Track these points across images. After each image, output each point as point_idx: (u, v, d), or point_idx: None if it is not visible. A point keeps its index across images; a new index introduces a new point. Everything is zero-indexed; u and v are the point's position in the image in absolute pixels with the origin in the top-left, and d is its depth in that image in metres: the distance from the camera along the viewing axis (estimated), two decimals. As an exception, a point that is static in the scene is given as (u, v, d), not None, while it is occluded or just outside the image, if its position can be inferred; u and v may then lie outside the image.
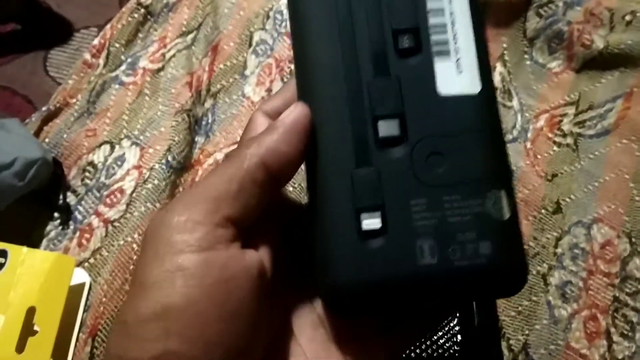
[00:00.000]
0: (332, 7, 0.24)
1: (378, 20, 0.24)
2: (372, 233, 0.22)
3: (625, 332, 0.48)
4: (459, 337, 0.43)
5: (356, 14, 0.24)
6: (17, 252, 0.47)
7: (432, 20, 0.24)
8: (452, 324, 0.43)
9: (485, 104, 0.23)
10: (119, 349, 0.22)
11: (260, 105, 0.28)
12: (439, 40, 0.24)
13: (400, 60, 0.23)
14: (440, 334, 0.43)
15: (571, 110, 0.57)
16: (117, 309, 0.47)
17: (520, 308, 0.48)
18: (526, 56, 0.60)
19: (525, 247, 0.49)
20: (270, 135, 0.24)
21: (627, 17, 0.60)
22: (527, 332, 0.48)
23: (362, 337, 0.27)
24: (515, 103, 0.57)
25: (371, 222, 0.22)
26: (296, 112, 0.24)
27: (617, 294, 0.49)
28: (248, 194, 0.24)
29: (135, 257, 0.48)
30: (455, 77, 0.23)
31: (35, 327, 0.46)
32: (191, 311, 0.22)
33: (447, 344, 0.43)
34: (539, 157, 0.55)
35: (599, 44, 0.58)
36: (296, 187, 0.50)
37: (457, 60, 0.23)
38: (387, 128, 0.23)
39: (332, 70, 0.23)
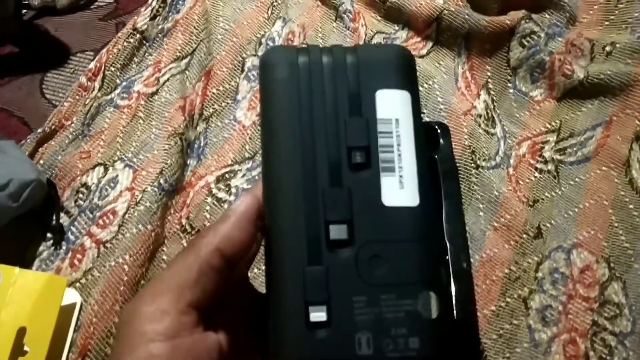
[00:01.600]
0: (298, 120, 0.27)
1: (336, 137, 0.27)
2: (318, 324, 0.25)
3: (604, 356, 0.49)
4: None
5: (317, 129, 0.27)
6: (10, 273, 0.48)
7: (382, 141, 0.27)
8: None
9: (421, 216, 0.27)
10: None
11: (234, 203, 0.31)
12: (386, 158, 0.27)
13: (352, 173, 0.27)
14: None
15: (552, 138, 0.59)
16: (106, 329, 0.48)
17: (501, 331, 0.49)
18: (509, 85, 0.62)
19: (507, 271, 0.51)
20: (224, 224, 0.27)
21: (607, 48, 0.62)
22: (508, 355, 0.49)
23: None
24: (498, 130, 0.59)
25: (318, 315, 0.25)
26: (247, 201, 0.28)
27: (596, 318, 0.50)
28: (206, 279, 0.27)
29: (125, 278, 0.49)
30: (398, 191, 0.27)
31: (26, 348, 0.47)
32: None
33: None
34: (521, 183, 0.56)
35: (580, 73, 0.60)
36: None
37: (400, 176, 0.27)
38: (337, 232, 0.26)
39: (293, 176, 0.27)
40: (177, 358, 0.25)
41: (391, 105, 0.28)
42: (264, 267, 0.28)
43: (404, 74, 0.29)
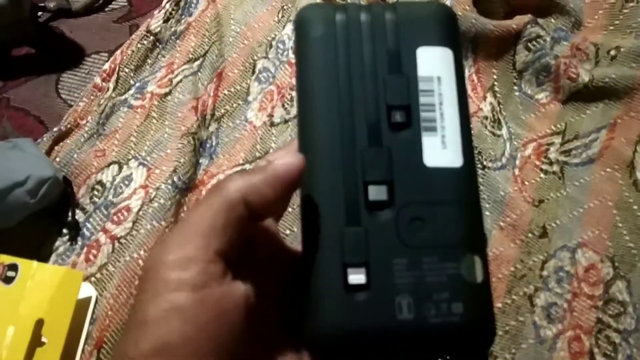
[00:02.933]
0: (335, 79, 0.27)
1: (375, 95, 0.27)
2: (357, 287, 0.25)
3: (608, 353, 0.50)
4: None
5: (355, 87, 0.27)
6: (28, 266, 0.50)
7: (423, 100, 0.26)
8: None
9: (465, 177, 0.26)
10: None
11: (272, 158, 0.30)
12: (427, 117, 0.26)
13: (392, 133, 0.26)
14: None
15: (557, 140, 0.60)
16: (122, 322, 0.49)
17: (507, 328, 0.50)
18: (515, 87, 0.63)
19: (513, 269, 0.52)
20: (257, 175, 0.26)
21: (612, 52, 0.63)
22: (513, 351, 0.50)
23: None
24: (504, 132, 0.60)
25: (357, 277, 0.25)
26: (290, 161, 0.26)
27: (600, 316, 0.51)
28: (232, 228, 0.25)
29: (140, 273, 0.50)
30: (440, 151, 0.26)
31: (43, 339, 0.48)
32: (187, 347, 0.24)
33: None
34: (526, 183, 0.57)
35: (585, 77, 0.61)
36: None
37: (443, 136, 0.26)
38: (376, 193, 0.26)
39: (331, 137, 0.26)
40: (203, 310, 0.24)
41: (433, 63, 0.27)
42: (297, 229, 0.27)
43: (446, 30, 0.28)
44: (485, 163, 0.58)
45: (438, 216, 0.25)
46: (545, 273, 0.53)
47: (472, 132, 0.58)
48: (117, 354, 0.25)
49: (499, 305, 0.51)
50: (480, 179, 0.57)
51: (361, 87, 0.27)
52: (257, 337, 0.27)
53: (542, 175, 0.58)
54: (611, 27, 0.66)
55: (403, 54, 0.27)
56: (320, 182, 0.26)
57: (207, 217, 0.25)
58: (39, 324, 0.48)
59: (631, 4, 0.66)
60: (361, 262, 0.25)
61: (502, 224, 0.55)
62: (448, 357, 0.25)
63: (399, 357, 0.26)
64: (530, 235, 0.54)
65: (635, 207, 0.56)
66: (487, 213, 0.55)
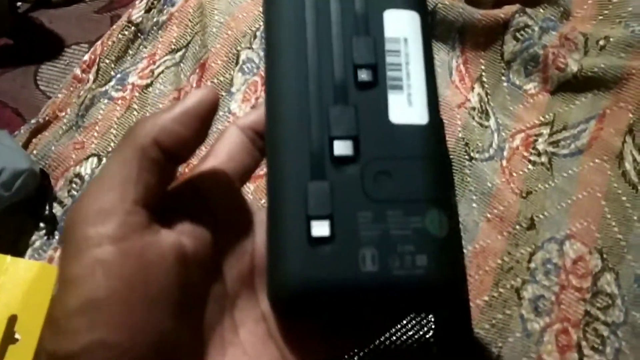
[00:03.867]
0: (303, 38, 0.27)
1: (342, 55, 0.27)
2: (321, 240, 0.24)
3: (596, 346, 0.49)
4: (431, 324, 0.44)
5: (323, 47, 0.27)
6: (1, 261, 0.48)
7: (389, 59, 0.27)
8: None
9: (431, 134, 0.26)
10: (52, 344, 0.23)
11: (235, 119, 0.30)
12: (393, 76, 0.27)
13: (358, 91, 0.26)
14: (412, 322, 0.45)
15: (546, 131, 0.59)
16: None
17: (494, 321, 0.49)
18: (503, 78, 0.62)
19: (500, 261, 0.51)
20: (166, 114, 0.25)
21: (601, 42, 0.62)
22: (500, 344, 0.49)
23: (302, 338, 0.28)
24: (492, 123, 0.59)
25: (320, 229, 0.25)
26: (199, 95, 0.26)
27: (589, 309, 0.50)
28: (148, 173, 0.25)
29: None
30: (406, 108, 0.26)
31: (17, 336, 0.46)
32: (114, 301, 0.23)
33: (419, 332, 0.44)
34: (514, 175, 0.56)
35: (573, 67, 0.60)
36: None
37: (409, 94, 0.26)
38: (341, 147, 0.26)
39: (297, 93, 0.26)
40: (127, 263, 0.23)
41: (399, 25, 0.27)
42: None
43: None
44: (472, 154, 0.57)
45: (403, 171, 0.25)
46: (532, 265, 0.52)
47: (460, 122, 0.57)
48: (48, 320, 0.25)
49: (486, 298, 0.50)
50: (467, 171, 0.56)
51: (329, 48, 0.27)
52: (204, 292, 0.27)
53: (530, 166, 0.57)
54: (600, 17, 0.65)
55: (370, 16, 0.27)
56: (285, 137, 0.26)
57: (120, 168, 0.25)
58: (12, 320, 0.46)
59: (620, -7, 0.65)
60: (325, 214, 0.25)
61: (489, 215, 0.54)
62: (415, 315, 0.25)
63: (364, 310, 0.26)
64: (517, 227, 0.53)
65: (624, 198, 0.55)
66: (474, 205, 0.54)
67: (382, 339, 0.45)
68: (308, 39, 0.27)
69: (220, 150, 0.29)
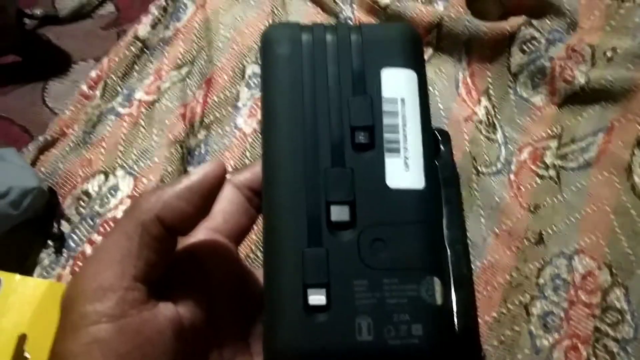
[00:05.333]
0: (299, 99, 0.27)
1: (339, 116, 0.27)
2: (317, 308, 0.24)
3: (606, 362, 0.49)
4: None
5: (320, 108, 0.27)
6: (10, 280, 0.48)
7: (386, 121, 0.26)
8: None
9: (427, 199, 0.26)
10: None
11: (231, 177, 0.29)
12: (390, 139, 0.26)
13: (355, 153, 0.26)
14: None
15: (554, 144, 0.58)
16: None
17: (502, 338, 0.49)
18: (510, 90, 0.62)
19: (508, 277, 0.51)
20: (170, 189, 0.25)
21: (608, 54, 0.62)
22: (509, 361, 0.48)
23: None
24: (499, 136, 0.59)
25: (317, 298, 0.24)
26: (205, 169, 0.25)
27: (598, 325, 0.50)
28: (149, 250, 0.25)
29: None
30: (403, 172, 0.26)
31: (26, 354, 0.47)
32: None
33: None
34: (522, 189, 0.56)
35: (581, 79, 0.60)
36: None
37: (406, 157, 0.26)
38: (338, 213, 0.25)
39: (294, 156, 0.26)
40: (124, 340, 0.23)
41: (397, 85, 0.27)
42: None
43: (410, 52, 0.28)
44: (480, 168, 0.56)
45: (399, 238, 0.25)
46: (541, 281, 0.52)
47: (467, 136, 0.57)
48: None
49: (494, 314, 0.50)
50: (475, 185, 0.56)
51: (325, 108, 0.27)
52: (200, 357, 0.26)
53: (538, 180, 0.57)
54: (607, 28, 0.65)
55: (367, 75, 0.27)
56: (282, 202, 0.26)
57: (120, 243, 0.24)
58: (22, 339, 0.46)
59: (627, 4, 0.64)
60: (322, 282, 0.24)
61: (497, 230, 0.54)
62: None
63: None
64: (526, 242, 0.53)
65: (633, 212, 0.55)
66: (482, 220, 0.54)
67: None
68: (305, 98, 0.27)
69: (216, 212, 0.28)
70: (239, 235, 0.30)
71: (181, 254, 0.27)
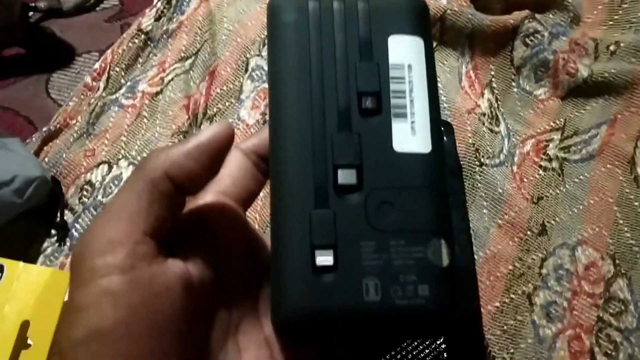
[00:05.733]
0: (306, 65, 0.27)
1: (346, 82, 0.27)
2: (325, 269, 0.24)
3: (609, 352, 0.49)
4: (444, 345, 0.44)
5: (326, 74, 0.27)
6: (14, 267, 0.48)
7: (393, 86, 0.27)
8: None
9: (433, 163, 0.26)
10: None
11: (238, 143, 0.29)
12: (397, 104, 0.26)
13: (362, 118, 0.26)
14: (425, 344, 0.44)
15: (557, 136, 0.59)
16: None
17: (505, 327, 0.49)
18: (513, 83, 0.62)
19: (511, 267, 0.51)
20: (179, 148, 0.25)
21: (611, 47, 0.62)
22: (512, 350, 0.48)
23: None
24: (502, 128, 0.59)
25: (324, 259, 0.24)
26: (213, 130, 0.26)
27: (601, 314, 0.50)
28: (158, 205, 0.25)
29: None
30: (410, 137, 0.26)
31: (29, 341, 0.47)
32: (120, 332, 0.23)
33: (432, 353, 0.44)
34: (525, 180, 0.56)
35: (584, 72, 0.60)
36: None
37: (412, 122, 0.26)
38: (345, 176, 0.25)
39: (301, 121, 0.26)
40: (134, 292, 0.23)
41: (404, 51, 0.27)
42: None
43: (418, 20, 0.28)
44: (483, 160, 0.57)
45: (406, 201, 0.25)
46: (544, 271, 0.51)
47: (470, 128, 0.57)
48: (54, 348, 0.24)
49: (497, 304, 0.50)
50: (478, 177, 0.56)
51: (332, 74, 0.27)
52: (209, 318, 0.27)
53: (541, 172, 0.57)
54: (610, 22, 0.65)
55: (374, 42, 0.27)
56: (289, 165, 0.26)
57: (129, 200, 0.25)
58: (25, 325, 0.46)
59: (630, -2, 0.64)
60: (329, 244, 0.25)
61: (500, 221, 0.54)
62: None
63: (366, 339, 0.26)
64: (529, 232, 0.53)
65: (636, 203, 0.55)
66: (485, 211, 0.54)
67: None
68: (312, 64, 0.27)
69: (224, 176, 0.29)
70: (247, 199, 0.30)
71: (190, 215, 0.28)
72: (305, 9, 0.27)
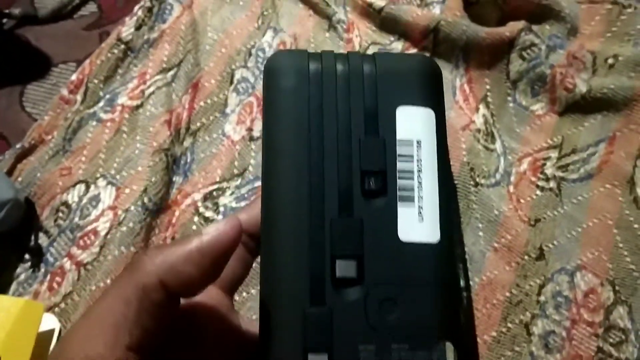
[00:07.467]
0: (305, 137, 0.24)
1: (348, 159, 0.24)
2: None
3: (610, 384, 0.47)
4: None
5: (327, 148, 0.24)
6: (-16, 298, 0.46)
7: (400, 166, 0.24)
8: None
9: (442, 256, 0.24)
10: None
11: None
12: (404, 185, 0.24)
13: (365, 201, 0.24)
14: None
15: (554, 154, 0.56)
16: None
17: (502, 359, 0.47)
18: (509, 98, 0.60)
19: (508, 294, 0.49)
20: (178, 250, 0.22)
21: (610, 61, 0.60)
22: (509, 384, 0.46)
23: None
24: (498, 146, 0.57)
25: None
26: (219, 230, 0.23)
27: (601, 344, 0.48)
28: (147, 316, 0.22)
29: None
30: (417, 224, 0.23)
31: (0, 377, 0.44)
32: None
33: None
34: (522, 201, 0.54)
35: (582, 87, 0.58)
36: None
37: (420, 207, 0.24)
38: (344, 269, 0.23)
39: (297, 202, 0.24)
40: None
41: (413, 125, 0.24)
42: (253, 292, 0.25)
43: (429, 88, 0.26)
44: (477, 180, 0.54)
45: (411, 298, 0.23)
46: (542, 298, 0.49)
47: (465, 146, 0.55)
48: None
49: (494, 334, 0.48)
50: (473, 197, 0.53)
51: (334, 149, 0.24)
52: None
53: (538, 192, 0.55)
54: (608, 34, 0.63)
55: (381, 114, 0.25)
56: (283, 254, 0.23)
57: (116, 307, 0.22)
58: (-5, 362, 0.44)
59: (629, 10, 0.62)
60: (324, 346, 0.22)
61: (496, 245, 0.52)
62: None
63: None
64: (526, 257, 0.51)
65: (636, 225, 0.53)
66: (481, 234, 0.52)
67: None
68: (311, 137, 0.24)
69: None
70: (234, 285, 0.27)
71: (177, 318, 0.25)
72: (305, 73, 0.25)
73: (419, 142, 0.24)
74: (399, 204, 0.24)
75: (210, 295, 0.26)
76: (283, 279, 0.23)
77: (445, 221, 0.24)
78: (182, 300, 0.25)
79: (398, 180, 0.24)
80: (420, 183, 0.24)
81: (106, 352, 0.21)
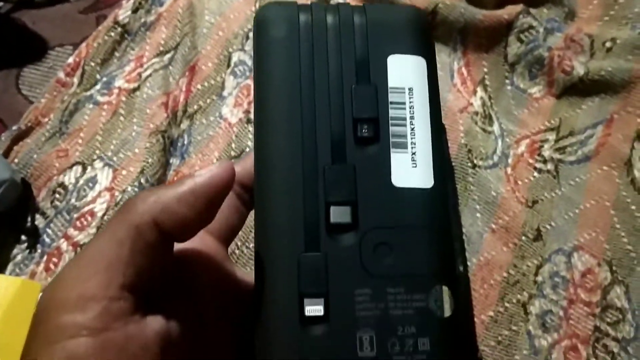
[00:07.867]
0: (297, 87, 0.24)
1: (340, 107, 0.24)
2: (314, 320, 0.22)
3: (607, 363, 0.47)
4: None
5: (319, 97, 0.24)
6: (-20, 277, 0.45)
7: (393, 112, 0.24)
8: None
9: (436, 200, 0.24)
10: None
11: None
12: (397, 132, 0.24)
13: (358, 148, 0.24)
14: None
15: (552, 136, 0.56)
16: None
17: (500, 338, 0.47)
18: (507, 81, 0.59)
19: (505, 274, 0.49)
20: (171, 191, 0.22)
21: (607, 44, 0.60)
22: (507, 362, 0.46)
23: None
24: (495, 128, 0.57)
25: (314, 309, 0.22)
26: (212, 172, 0.23)
27: (598, 324, 0.48)
28: (141, 256, 0.22)
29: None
30: (410, 170, 0.24)
31: (-4, 357, 0.44)
32: None
33: None
34: (519, 183, 0.54)
35: (580, 70, 0.58)
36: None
37: (413, 153, 0.24)
38: (338, 214, 0.23)
39: (290, 151, 0.23)
40: (104, 357, 0.20)
41: (404, 73, 0.24)
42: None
43: (420, 37, 0.26)
44: (475, 161, 0.54)
45: (405, 242, 0.23)
46: (539, 279, 0.50)
47: (462, 128, 0.55)
48: None
49: (491, 314, 0.48)
50: (470, 179, 0.53)
51: (325, 97, 0.24)
52: None
53: (535, 174, 0.55)
54: (606, 18, 0.63)
55: (372, 62, 0.25)
56: (277, 202, 0.23)
57: (110, 247, 0.22)
58: (-9, 340, 0.44)
59: (627, -7, 0.62)
60: (319, 292, 0.22)
61: (494, 226, 0.52)
62: None
63: None
64: (524, 238, 0.51)
65: (633, 207, 0.53)
66: (478, 215, 0.52)
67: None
68: (303, 87, 0.24)
69: None
70: (229, 236, 0.27)
71: (172, 263, 0.25)
72: (296, 23, 0.25)
73: (410, 90, 0.24)
74: (392, 150, 0.24)
75: (205, 243, 0.26)
76: (277, 227, 0.23)
77: (438, 167, 0.24)
78: (178, 247, 0.25)
79: (390, 127, 0.24)
80: (412, 130, 0.24)
81: (100, 291, 0.21)
